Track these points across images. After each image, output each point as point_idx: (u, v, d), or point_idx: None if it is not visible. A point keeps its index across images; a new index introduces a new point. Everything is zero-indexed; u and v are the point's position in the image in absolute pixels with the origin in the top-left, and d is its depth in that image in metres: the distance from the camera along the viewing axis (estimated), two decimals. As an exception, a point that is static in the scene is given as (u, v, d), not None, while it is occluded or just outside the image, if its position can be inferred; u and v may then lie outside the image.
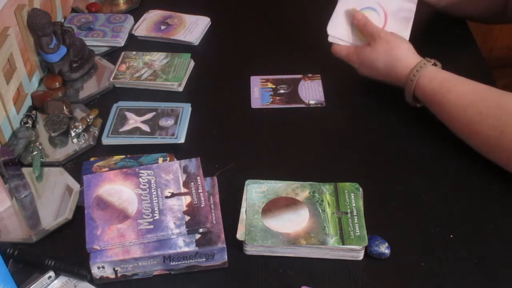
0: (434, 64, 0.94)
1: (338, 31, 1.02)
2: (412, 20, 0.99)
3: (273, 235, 0.78)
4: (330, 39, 1.03)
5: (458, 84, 0.91)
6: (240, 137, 0.98)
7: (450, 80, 0.91)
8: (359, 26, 1.00)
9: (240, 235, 0.79)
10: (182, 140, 0.96)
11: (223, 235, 0.77)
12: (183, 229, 0.76)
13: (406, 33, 0.99)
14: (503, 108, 0.85)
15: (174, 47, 1.17)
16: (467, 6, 1.11)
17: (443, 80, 0.91)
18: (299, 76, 1.10)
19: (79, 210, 0.84)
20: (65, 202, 0.87)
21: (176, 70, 1.09)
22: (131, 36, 1.21)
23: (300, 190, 0.84)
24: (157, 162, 0.89)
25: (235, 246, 0.79)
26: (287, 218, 0.81)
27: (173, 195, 0.79)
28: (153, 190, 0.80)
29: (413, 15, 0.99)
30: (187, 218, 0.77)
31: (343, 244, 0.77)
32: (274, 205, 0.82)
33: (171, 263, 0.76)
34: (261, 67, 1.12)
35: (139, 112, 1.01)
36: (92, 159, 0.93)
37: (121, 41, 1.19)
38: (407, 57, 0.95)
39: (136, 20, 1.24)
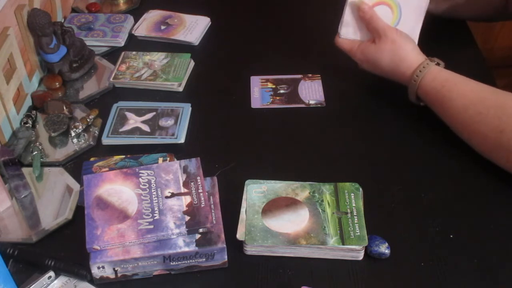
0: (437, 64, 0.94)
1: (350, 31, 1.01)
2: (425, 8, 0.98)
3: (273, 235, 0.78)
4: (342, 36, 1.02)
5: (459, 84, 0.91)
6: (240, 137, 0.98)
7: (452, 79, 0.91)
8: (364, 19, 0.98)
9: (240, 235, 0.79)
10: (182, 140, 0.96)
11: (223, 235, 0.77)
12: (183, 229, 0.76)
13: (419, 25, 0.99)
14: (503, 108, 0.85)
15: (174, 47, 1.17)
16: (465, 11, 1.11)
17: (445, 80, 0.91)
18: (299, 76, 1.10)
19: (79, 210, 0.84)
20: (65, 202, 0.87)
21: (176, 70, 1.09)
22: (131, 36, 1.21)
23: (300, 190, 0.84)
24: (157, 162, 0.90)
25: (235, 246, 0.79)
26: (287, 218, 0.81)
27: (173, 195, 0.79)
28: (153, 190, 0.80)
29: (427, 3, 0.98)
30: (187, 218, 0.77)
31: (343, 244, 0.77)
32: (274, 205, 0.82)
33: (171, 263, 0.76)
34: (261, 67, 1.12)
35: (139, 112, 1.01)
36: (92, 159, 0.93)
37: (121, 41, 1.19)
38: (411, 57, 0.95)
39: (136, 20, 1.24)
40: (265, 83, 1.08)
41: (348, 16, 1.00)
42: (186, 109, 1.01)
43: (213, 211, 0.80)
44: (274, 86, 1.08)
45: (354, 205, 0.82)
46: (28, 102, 1.04)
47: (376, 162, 0.93)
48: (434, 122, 0.94)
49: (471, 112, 0.87)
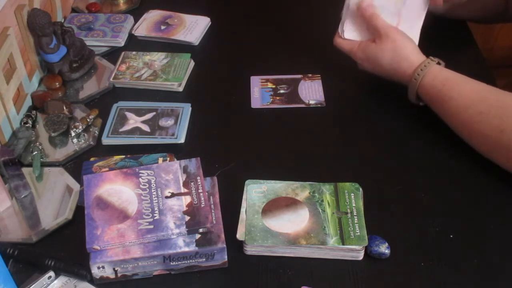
0: (438, 63, 0.94)
1: (352, 34, 1.01)
2: (425, 12, 0.99)
3: (273, 235, 0.78)
4: (345, 37, 1.02)
5: (460, 83, 0.91)
6: (240, 137, 0.98)
7: (453, 79, 0.91)
8: (364, 17, 0.98)
9: (240, 235, 0.79)
10: (182, 140, 0.96)
11: (223, 235, 0.77)
12: (183, 229, 0.76)
13: (418, 26, 0.99)
14: (503, 108, 0.85)
15: (174, 47, 1.17)
16: (465, 11, 1.11)
17: (445, 79, 0.91)
18: (299, 76, 1.10)
19: (79, 210, 0.84)
20: (65, 202, 0.87)
21: (176, 70, 1.09)
22: (131, 36, 1.21)
23: (300, 190, 0.84)
24: (157, 162, 0.90)
25: (235, 246, 0.79)
26: (287, 218, 0.81)
27: (173, 195, 0.79)
28: (153, 190, 0.80)
29: (427, 6, 0.98)
30: (187, 218, 0.77)
31: (343, 244, 0.77)
32: (274, 205, 0.82)
33: (171, 263, 0.76)
34: (261, 67, 1.12)
35: (139, 112, 1.01)
36: (92, 159, 0.93)
37: (121, 41, 1.19)
38: (412, 56, 0.95)
39: (136, 20, 1.24)
40: (265, 83, 1.08)
41: (349, 18, 1.00)
42: (186, 109, 1.01)
43: (213, 211, 0.80)
44: (274, 86, 1.07)
45: (354, 205, 0.82)
46: (28, 102, 1.04)
47: (376, 162, 0.93)
48: (434, 122, 0.94)
49: (472, 112, 0.87)
